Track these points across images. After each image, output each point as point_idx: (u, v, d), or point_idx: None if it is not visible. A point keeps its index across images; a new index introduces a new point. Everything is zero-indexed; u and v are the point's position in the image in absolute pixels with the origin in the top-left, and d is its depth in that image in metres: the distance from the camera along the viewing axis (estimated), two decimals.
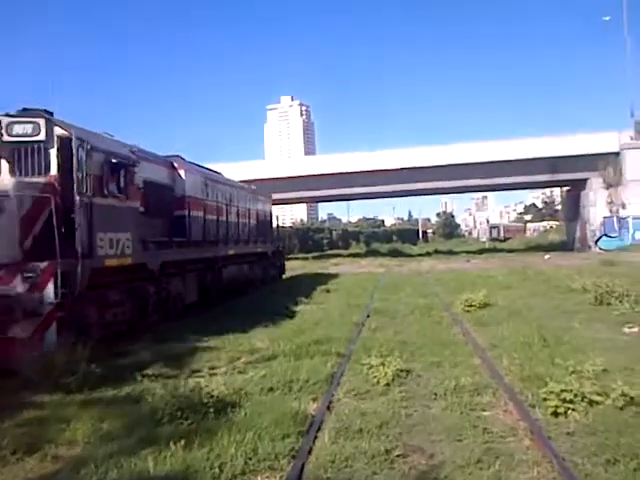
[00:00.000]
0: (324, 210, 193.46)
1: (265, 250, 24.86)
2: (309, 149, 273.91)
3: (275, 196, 29.90)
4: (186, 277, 15.62)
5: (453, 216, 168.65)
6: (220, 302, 17.44)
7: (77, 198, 10.30)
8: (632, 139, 46.69)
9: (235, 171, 46.04)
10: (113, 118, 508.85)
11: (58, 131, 10.53)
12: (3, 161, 10.46)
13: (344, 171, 48.36)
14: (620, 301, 13.50)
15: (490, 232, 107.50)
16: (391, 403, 6.67)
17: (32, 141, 10.39)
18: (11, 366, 8.34)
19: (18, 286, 9.29)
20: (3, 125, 10.30)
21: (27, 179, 10.23)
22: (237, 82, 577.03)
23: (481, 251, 59.31)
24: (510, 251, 55.89)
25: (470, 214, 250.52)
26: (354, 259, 51.61)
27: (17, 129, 10.39)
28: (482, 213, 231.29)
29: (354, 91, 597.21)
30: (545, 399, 6.25)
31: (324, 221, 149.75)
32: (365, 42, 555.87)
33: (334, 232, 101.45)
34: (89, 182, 10.71)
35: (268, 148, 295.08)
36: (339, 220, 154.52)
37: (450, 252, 60.55)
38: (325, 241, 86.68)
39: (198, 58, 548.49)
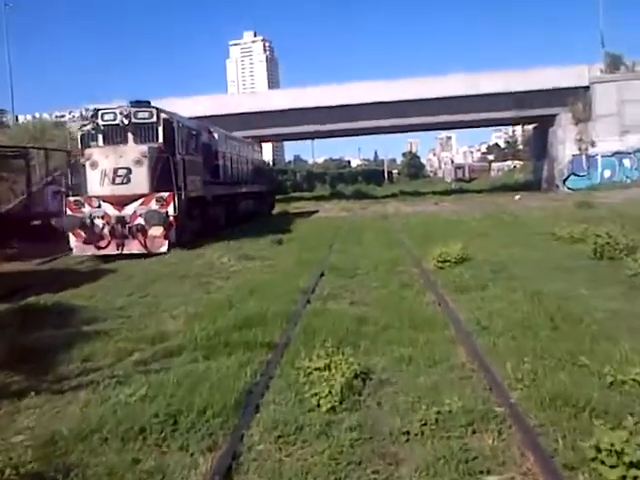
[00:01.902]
0: (290, 151, 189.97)
1: (261, 190, 31.92)
2: (273, 86, 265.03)
3: (238, 134, 32.07)
4: (220, 206, 22.76)
5: (418, 157, 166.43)
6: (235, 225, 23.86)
7: (177, 157, 17.83)
8: (602, 72, 44.13)
9: (196, 106, 43.65)
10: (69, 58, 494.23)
11: (163, 116, 18.04)
12: (130, 134, 17.64)
13: (308, 106, 45.08)
14: (626, 255, 11.06)
15: (455, 172, 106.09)
16: (332, 459, 4.01)
17: (148, 122, 17.70)
18: (150, 250, 16.40)
19: (153, 205, 16.69)
20: (132, 112, 17.57)
21: (146, 145, 17.30)
22: (199, 17, 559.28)
23: (448, 192, 57.14)
24: (478, 192, 53.63)
25: (434, 154, 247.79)
26: (317, 202, 49.21)
27: (140, 115, 17.67)
28: (447, 154, 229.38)
29: (319, 25, 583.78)
30: (596, 459, 3.54)
31: (289, 162, 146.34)
32: None
33: (298, 174, 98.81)
34: (181, 146, 18.39)
35: (231, 85, 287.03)
36: (305, 161, 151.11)
37: (416, 193, 58.17)
38: (289, 183, 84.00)
39: None
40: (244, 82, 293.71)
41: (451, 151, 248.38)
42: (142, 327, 7.90)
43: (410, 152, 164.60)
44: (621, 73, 43.72)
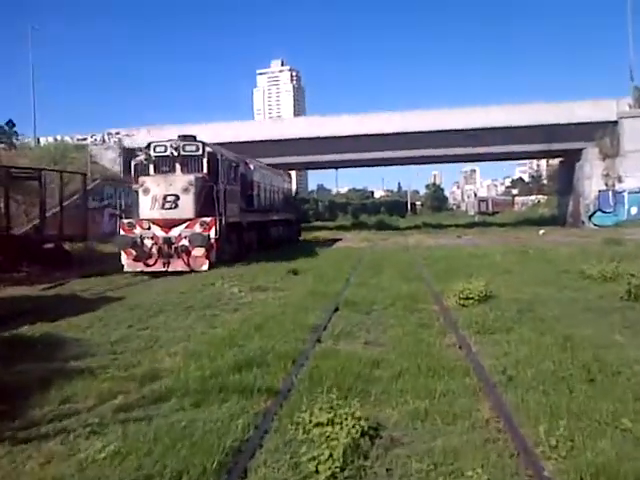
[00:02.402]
0: (314, 180, 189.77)
1: (289, 218, 34.09)
2: (299, 115, 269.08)
3: (264, 161, 32.65)
4: (253, 232, 24.78)
5: (442, 189, 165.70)
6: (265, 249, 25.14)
7: (219, 186, 19.96)
8: (630, 107, 43.10)
9: (219, 132, 43.56)
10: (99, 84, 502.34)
11: (208, 149, 20.35)
12: (178, 165, 19.95)
13: (334, 135, 44.49)
14: None
15: (479, 205, 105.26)
16: None
17: (195, 155, 19.94)
18: (193, 268, 18.35)
19: (197, 229, 18.71)
20: (181, 145, 19.94)
21: (193, 175, 19.61)
22: (227, 45, 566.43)
23: (471, 225, 56.32)
24: (501, 225, 52.63)
25: (458, 187, 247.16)
26: (338, 232, 48.52)
27: (188, 148, 20.01)
28: (470, 187, 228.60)
29: (347, 57, 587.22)
30: None
31: (312, 191, 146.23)
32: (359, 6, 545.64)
33: (320, 203, 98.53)
34: (222, 176, 20.38)
35: (257, 114, 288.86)
36: (328, 190, 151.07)
37: (439, 225, 57.31)
38: (311, 212, 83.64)
39: (185, 20, 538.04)
40: (270, 111, 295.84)
41: (475, 184, 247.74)
42: (133, 365, 7.22)
43: (434, 184, 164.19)
44: None
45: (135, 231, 19.05)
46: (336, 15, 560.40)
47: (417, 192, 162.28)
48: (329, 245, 31.09)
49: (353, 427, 4.64)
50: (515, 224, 55.63)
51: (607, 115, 42.50)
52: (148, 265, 18.76)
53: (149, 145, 20.51)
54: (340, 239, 37.66)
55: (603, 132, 42.23)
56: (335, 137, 44.59)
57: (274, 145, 44.64)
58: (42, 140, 48.95)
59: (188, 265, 18.57)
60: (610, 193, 42.90)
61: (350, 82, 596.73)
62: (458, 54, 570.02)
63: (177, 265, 18.62)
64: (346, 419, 4.74)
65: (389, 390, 6.01)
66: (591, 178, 43.71)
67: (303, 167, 79.19)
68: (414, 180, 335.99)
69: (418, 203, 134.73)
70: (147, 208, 19.19)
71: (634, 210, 42.54)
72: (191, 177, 19.49)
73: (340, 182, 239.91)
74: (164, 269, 18.50)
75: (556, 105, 43.72)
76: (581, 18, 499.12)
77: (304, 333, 8.85)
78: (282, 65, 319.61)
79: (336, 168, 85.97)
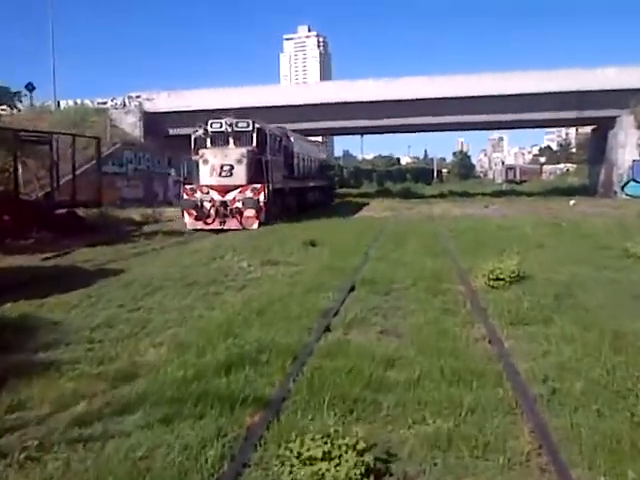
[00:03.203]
0: (340, 146, 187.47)
1: (324, 184, 38.24)
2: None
3: (289, 126, 33.18)
4: (293, 196, 27.80)
5: (469, 156, 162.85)
6: (304, 212, 27.50)
7: (268, 157, 23.10)
8: None
9: (244, 96, 43.24)
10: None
11: (257, 125, 23.54)
12: (232, 139, 23.27)
13: (359, 100, 43.10)
14: None
15: (506, 174, 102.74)
16: None
17: (246, 130, 23.17)
18: (245, 227, 21.46)
19: (248, 193, 22.00)
20: (234, 122, 23.30)
21: (245, 148, 22.92)
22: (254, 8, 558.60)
23: (498, 194, 54.59)
24: (529, 194, 50.82)
25: (485, 155, 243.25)
26: (362, 199, 47.22)
27: (240, 124, 23.31)
28: (498, 155, 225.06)
29: (375, 23, 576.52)
30: None
31: (338, 158, 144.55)
32: None
33: (345, 169, 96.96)
34: (269, 149, 23.59)
35: (284, 80, 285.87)
36: (354, 157, 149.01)
37: (465, 194, 55.79)
38: (336, 179, 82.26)
39: None
40: (297, 77, 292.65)
41: (502, 152, 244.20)
42: (110, 358, 6.23)
43: (460, 151, 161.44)
44: None
45: (196, 195, 22.60)
46: None
47: (444, 159, 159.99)
48: (351, 213, 29.86)
49: (355, 466, 3.59)
50: (544, 193, 54.00)
51: None
52: (207, 224, 22.25)
53: (207, 122, 23.97)
54: (362, 207, 36.47)
55: (638, 99, 40.25)
56: (360, 102, 43.08)
57: (299, 110, 43.35)
58: (62, 104, 48.08)
59: (241, 224, 21.96)
60: None
61: (378, 49, 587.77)
62: (489, 16, 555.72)
63: (232, 224, 22.01)
64: (347, 452, 3.69)
65: (405, 401, 4.95)
66: (625, 147, 41.94)
67: (329, 133, 77.68)
68: (441, 147, 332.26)
69: (445, 171, 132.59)
70: (206, 176, 22.81)
71: None
72: (243, 150, 22.98)
73: (366, 149, 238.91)
74: (220, 227, 21.91)
75: (589, 71, 41.77)
76: None
77: (312, 319, 7.81)
78: (309, 31, 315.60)
79: (362, 135, 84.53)
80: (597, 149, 48.35)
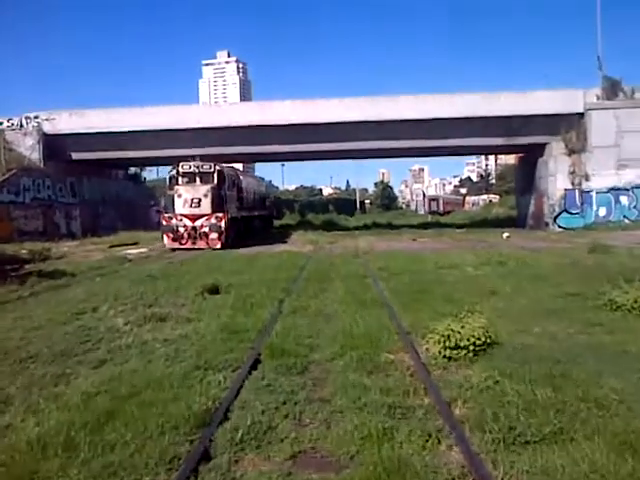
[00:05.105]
0: (262, 176, 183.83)
1: (263, 214, 44.23)
2: None
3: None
4: (243, 223, 33.67)
5: (391, 187, 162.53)
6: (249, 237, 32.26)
7: (226, 192, 29.53)
8: (599, 98, 39.62)
9: (154, 117, 40.65)
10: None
11: (217, 168, 29.55)
12: (198, 178, 29.09)
13: (277, 123, 40.30)
14: None
15: (429, 205, 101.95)
16: None
17: (209, 172, 29.26)
18: (210, 247, 27.13)
19: (213, 220, 27.89)
20: (200, 165, 29.32)
21: (209, 185, 28.68)
22: (172, 33, 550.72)
23: (424, 225, 52.56)
24: (458, 226, 49.05)
25: (406, 186, 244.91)
26: (282, 231, 44.37)
27: (204, 167, 29.35)
28: (419, 185, 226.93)
29: (292, 47, 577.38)
30: None
31: None
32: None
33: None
34: (226, 186, 29.85)
35: (204, 105, 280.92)
36: (276, 188, 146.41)
37: (390, 226, 53.64)
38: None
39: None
40: (217, 102, 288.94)
41: (423, 183, 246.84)
42: None
43: (382, 182, 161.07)
44: (620, 100, 39.34)
45: (172, 222, 27.99)
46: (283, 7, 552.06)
47: (366, 190, 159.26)
48: (266, 249, 26.84)
49: None
50: (471, 225, 52.34)
51: (573, 107, 39.02)
52: (182, 244, 27.59)
53: (179, 163, 29.51)
54: (283, 239, 33.65)
55: (569, 125, 38.79)
56: (278, 126, 40.26)
57: (214, 133, 40.53)
58: None
59: (207, 244, 27.56)
60: (577, 192, 39.50)
61: (299, 78, 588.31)
62: (415, 37, 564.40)
63: (200, 244, 27.58)
64: None
65: None
66: (555, 175, 40.02)
67: (248, 160, 74.59)
68: (362, 178, 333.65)
69: (367, 201, 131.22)
70: (180, 206, 28.21)
71: (602, 211, 39.36)
72: (208, 187, 28.57)
73: (288, 180, 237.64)
74: (192, 246, 27.29)
75: (518, 94, 39.83)
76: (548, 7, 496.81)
77: (184, 433, 4.89)
78: (229, 56, 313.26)
79: (282, 162, 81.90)
80: (525, 178, 46.37)
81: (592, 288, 11.78)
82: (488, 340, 7.55)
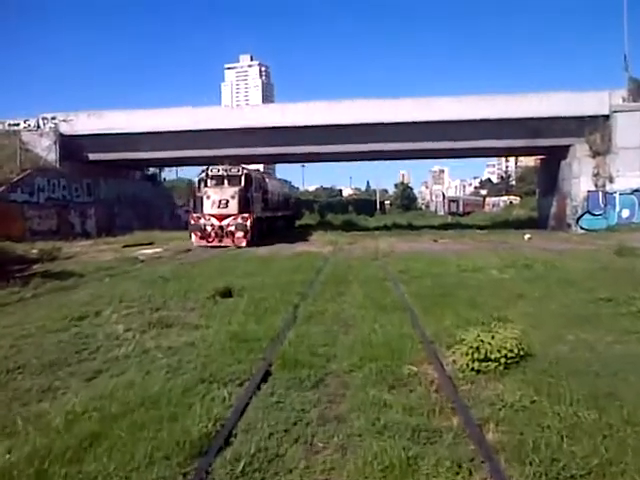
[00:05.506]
0: (282, 176, 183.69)
1: (287, 214, 46.76)
2: None
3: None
4: (267, 222, 35.53)
5: (411, 188, 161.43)
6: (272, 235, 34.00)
7: (252, 194, 31.36)
8: (625, 100, 38.70)
9: (175, 118, 40.28)
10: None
11: (245, 171, 31.67)
12: (226, 181, 31.00)
13: (298, 124, 39.70)
14: None
15: (449, 206, 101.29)
16: None
17: (237, 175, 31.44)
18: (236, 245, 28.99)
19: (239, 220, 29.60)
20: (228, 169, 31.20)
21: (236, 187, 30.37)
22: (197, 37, 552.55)
23: (444, 226, 51.73)
24: (479, 227, 48.18)
25: (427, 187, 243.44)
26: (302, 231, 43.86)
27: (232, 170, 31.19)
28: (439, 187, 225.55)
29: (317, 52, 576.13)
30: None
31: None
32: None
33: None
34: (253, 188, 31.75)
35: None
36: (296, 188, 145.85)
37: (410, 226, 52.79)
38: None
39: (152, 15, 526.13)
40: (238, 105, 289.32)
41: (443, 184, 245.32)
42: None
43: (402, 183, 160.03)
44: None
45: (201, 221, 29.80)
46: (307, 9, 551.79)
47: (386, 191, 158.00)
48: (285, 249, 26.23)
49: None
50: (492, 226, 51.42)
51: (598, 108, 38.02)
52: (209, 242, 29.31)
53: (208, 167, 31.57)
54: (302, 240, 33.10)
55: (594, 127, 37.90)
56: (300, 127, 39.60)
57: (235, 134, 39.95)
58: None
59: (233, 242, 29.14)
60: (600, 194, 38.65)
61: (321, 80, 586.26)
62: (437, 40, 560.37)
63: (227, 242, 29.19)
64: None
65: None
66: (579, 177, 39.19)
67: (269, 161, 74.10)
68: (382, 179, 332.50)
69: (387, 202, 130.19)
70: (209, 207, 29.89)
71: (625, 213, 38.42)
72: (235, 189, 30.16)
73: (309, 180, 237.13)
74: (218, 244, 28.96)
75: (542, 96, 38.95)
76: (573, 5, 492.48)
77: (177, 463, 4.19)
78: (251, 60, 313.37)
79: (303, 163, 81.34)
80: (547, 180, 45.71)
81: (624, 293, 11.18)
82: (521, 352, 6.87)
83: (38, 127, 41.02)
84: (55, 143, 40.11)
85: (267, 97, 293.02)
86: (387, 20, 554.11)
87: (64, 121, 40.54)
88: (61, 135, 40.33)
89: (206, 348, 7.83)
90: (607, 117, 38.15)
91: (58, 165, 40.04)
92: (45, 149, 40.07)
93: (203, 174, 31.55)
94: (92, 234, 38.90)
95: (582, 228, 38.43)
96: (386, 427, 5.05)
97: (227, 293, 12.22)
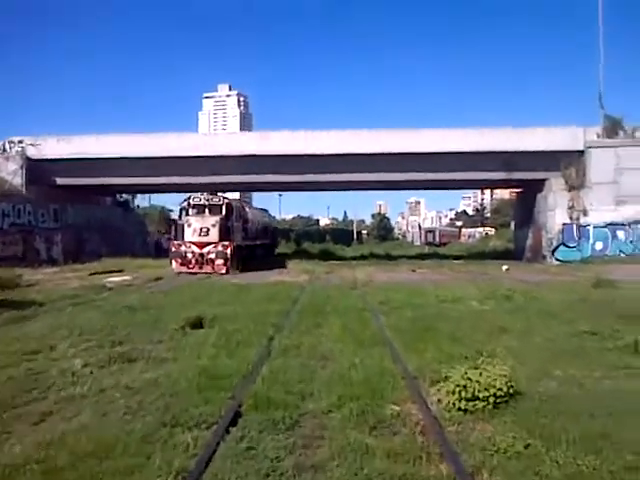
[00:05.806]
0: (258, 205, 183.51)
1: (266, 242, 47.22)
2: None
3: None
4: (247, 250, 35.85)
5: (388, 218, 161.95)
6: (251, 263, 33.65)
7: (233, 223, 32.02)
8: (599, 136, 39.40)
9: (150, 144, 39.71)
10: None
11: (225, 201, 32.75)
12: (207, 210, 31.36)
13: (274, 153, 39.57)
14: None
15: (426, 236, 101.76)
16: None
17: (218, 204, 32.06)
18: (216, 272, 29.11)
19: (219, 248, 30.02)
20: (209, 198, 31.94)
21: (217, 216, 30.86)
22: (173, 67, 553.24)
23: (422, 256, 51.47)
24: (456, 258, 48.04)
25: (403, 218, 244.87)
26: (278, 259, 43.14)
27: (214, 200, 32.00)
28: (415, 218, 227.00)
29: (296, 77, 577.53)
30: None
31: None
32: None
33: None
34: (234, 217, 32.43)
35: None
36: (273, 217, 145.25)
37: (388, 256, 52.52)
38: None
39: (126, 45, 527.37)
40: (215, 132, 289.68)
41: (419, 215, 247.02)
42: None
43: (379, 213, 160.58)
44: (620, 139, 39.12)
45: (182, 248, 30.15)
46: (287, 40, 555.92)
47: (363, 221, 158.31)
48: (259, 278, 25.62)
49: None
50: (469, 257, 51.40)
51: (573, 144, 38.80)
52: (189, 268, 29.48)
53: (190, 197, 32.06)
54: (278, 268, 32.49)
55: (569, 162, 38.48)
56: (275, 155, 39.47)
57: (208, 162, 39.64)
58: None
59: (213, 270, 29.46)
60: (574, 227, 39.20)
61: (300, 110, 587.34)
62: (416, 72, 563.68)
63: (207, 269, 29.48)
64: None
65: None
66: (554, 210, 39.58)
67: (245, 189, 73.56)
68: (359, 210, 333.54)
69: (364, 232, 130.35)
70: (190, 235, 30.31)
71: (599, 245, 39.08)
72: (217, 217, 30.73)
73: (285, 209, 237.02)
74: (198, 271, 29.09)
75: (519, 131, 39.62)
76: (550, 43, 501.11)
77: None
78: (229, 90, 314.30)
79: (280, 192, 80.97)
80: (523, 212, 46.23)
81: (606, 326, 10.94)
82: (510, 390, 6.39)
83: (4, 150, 40.15)
84: (22, 167, 39.28)
85: (245, 126, 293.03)
86: (366, 52, 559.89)
87: (32, 145, 39.71)
88: (28, 159, 39.49)
89: (171, 386, 7.23)
90: (582, 152, 38.84)
91: (24, 190, 39.16)
92: (11, 173, 39.22)
93: (185, 203, 32.07)
94: (59, 261, 37.86)
95: (557, 259, 38.87)
96: (370, 478, 4.52)
97: (198, 324, 11.65)
